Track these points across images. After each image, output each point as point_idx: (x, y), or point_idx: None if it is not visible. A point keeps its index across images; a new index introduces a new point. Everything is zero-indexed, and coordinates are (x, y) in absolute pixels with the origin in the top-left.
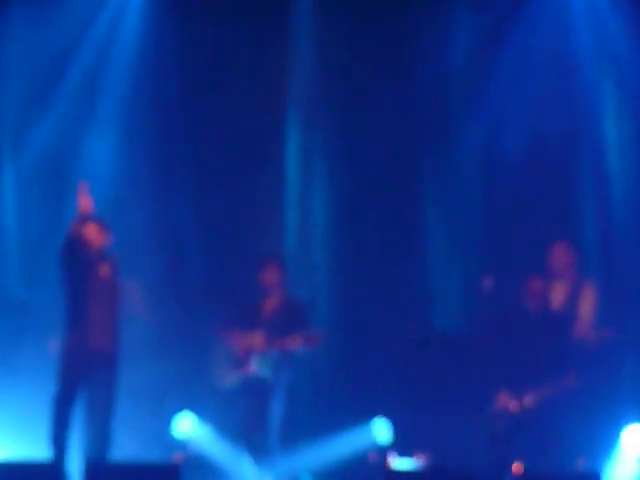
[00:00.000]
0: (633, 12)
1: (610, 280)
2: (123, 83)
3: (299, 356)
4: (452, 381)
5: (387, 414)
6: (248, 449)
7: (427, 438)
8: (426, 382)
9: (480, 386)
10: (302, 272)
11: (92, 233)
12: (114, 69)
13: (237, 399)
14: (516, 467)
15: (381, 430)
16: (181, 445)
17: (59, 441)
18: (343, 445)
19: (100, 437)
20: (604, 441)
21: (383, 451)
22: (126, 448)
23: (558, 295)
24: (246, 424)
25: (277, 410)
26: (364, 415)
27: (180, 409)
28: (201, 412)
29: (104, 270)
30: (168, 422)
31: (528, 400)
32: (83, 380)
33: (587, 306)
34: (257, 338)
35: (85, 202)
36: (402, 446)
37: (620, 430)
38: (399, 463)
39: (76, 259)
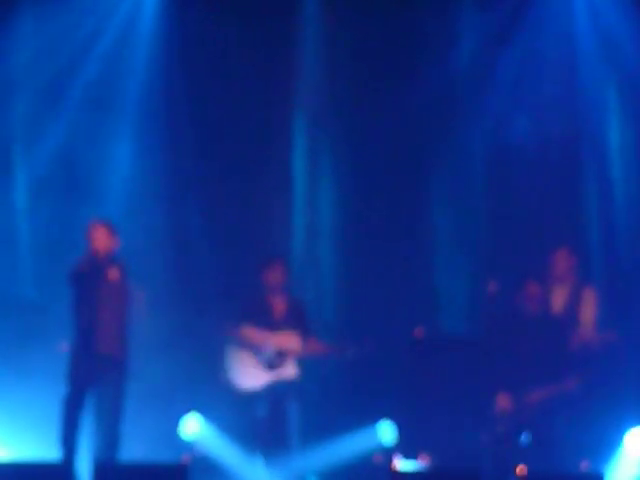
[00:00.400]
0: (637, 17)
1: (612, 284)
2: (133, 87)
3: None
4: (457, 383)
5: (392, 416)
6: (266, 450)
7: (431, 440)
8: (431, 384)
9: (484, 388)
10: (309, 272)
11: (101, 237)
12: (125, 72)
13: (261, 400)
14: (520, 469)
15: (386, 432)
16: (189, 446)
17: (68, 442)
18: (348, 447)
19: (109, 438)
20: (607, 444)
21: (388, 453)
22: (134, 449)
23: (559, 299)
24: (270, 425)
25: (298, 413)
26: (369, 417)
27: (188, 410)
28: (209, 413)
29: (113, 274)
30: (176, 423)
31: (529, 403)
32: (92, 382)
33: (588, 310)
34: (290, 339)
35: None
36: (407, 448)
37: (623, 433)
38: (404, 465)
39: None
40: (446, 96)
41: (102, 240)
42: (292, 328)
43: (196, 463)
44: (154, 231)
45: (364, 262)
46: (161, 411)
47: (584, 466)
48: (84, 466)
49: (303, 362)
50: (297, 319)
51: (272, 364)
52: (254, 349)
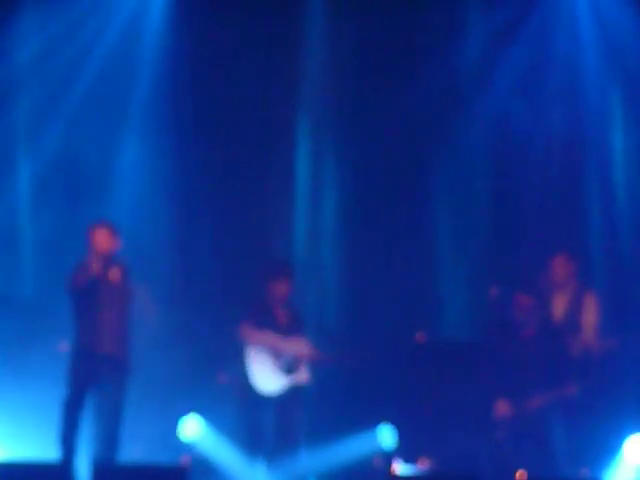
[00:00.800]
0: None
1: (614, 290)
2: (138, 87)
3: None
4: (457, 388)
5: (392, 420)
6: (268, 454)
7: (431, 444)
8: (432, 389)
9: (485, 394)
10: (311, 277)
11: (102, 238)
12: (129, 71)
13: (277, 403)
14: (519, 475)
15: (386, 436)
16: (188, 448)
17: (68, 442)
18: (348, 450)
19: (108, 439)
20: (606, 450)
21: (388, 456)
22: (134, 450)
23: (560, 306)
24: (274, 430)
25: (304, 417)
26: (369, 420)
27: (188, 412)
28: (209, 415)
29: (114, 275)
30: (176, 424)
31: (528, 408)
32: (92, 383)
33: (590, 316)
34: (302, 345)
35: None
36: (406, 452)
37: (622, 439)
38: (403, 469)
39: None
40: (450, 99)
41: (104, 241)
42: (293, 335)
43: (196, 465)
44: (157, 232)
45: (366, 266)
46: (161, 412)
47: (583, 473)
48: (83, 466)
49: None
50: (298, 329)
51: (290, 369)
52: (274, 353)
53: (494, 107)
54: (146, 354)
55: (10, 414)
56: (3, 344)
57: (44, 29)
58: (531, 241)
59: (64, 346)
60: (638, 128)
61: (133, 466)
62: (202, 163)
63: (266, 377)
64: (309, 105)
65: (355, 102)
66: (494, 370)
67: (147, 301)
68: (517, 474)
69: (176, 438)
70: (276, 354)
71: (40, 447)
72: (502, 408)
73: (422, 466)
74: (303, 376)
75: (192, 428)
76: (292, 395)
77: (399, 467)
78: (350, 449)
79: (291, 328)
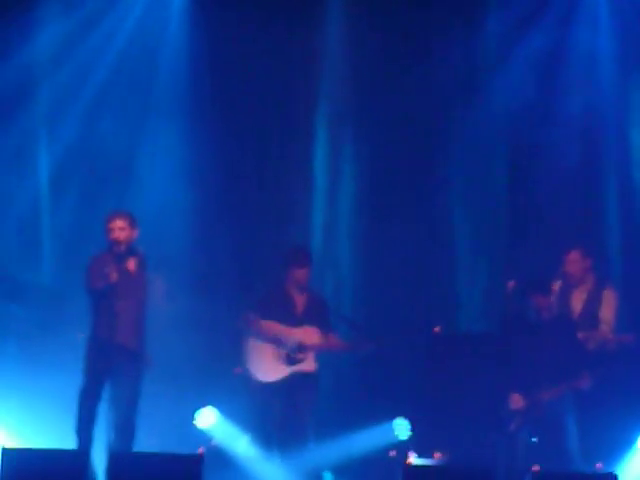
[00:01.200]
0: None
1: (631, 285)
2: (157, 76)
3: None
4: (474, 381)
5: (408, 413)
6: (281, 443)
7: (446, 438)
8: (448, 382)
9: (500, 387)
10: (327, 269)
11: (121, 228)
12: (147, 62)
13: (277, 393)
14: (535, 468)
15: (401, 429)
16: (204, 438)
17: (84, 432)
18: (363, 443)
19: (124, 429)
20: (621, 444)
21: (403, 449)
22: (150, 440)
23: (578, 301)
24: (285, 418)
25: (314, 406)
26: (385, 413)
27: (203, 402)
28: (224, 405)
29: (130, 265)
30: (191, 415)
31: (542, 401)
32: (108, 373)
33: (607, 310)
34: (311, 334)
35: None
36: (421, 445)
37: (637, 434)
38: (418, 461)
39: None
40: (468, 92)
41: (122, 231)
42: (312, 323)
43: (211, 455)
44: (175, 222)
45: (383, 259)
46: (176, 402)
47: (598, 467)
48: (100, 456)
49: (321, 357)
50: (317, 315)
51: (293, 358)
52: (276, 342)
53: (512, 98)
54: (162, 344)
55: (27, 403)
56: (21, 333)
57: (64, 18)
58: (548, 235)
59: (81, 336)
60: None
61: (149, 455)
62: (221, 154)
63: (265, 366)
64: (327, 97)
65: (373, 94)
66: (509, 363)
67: (162, 292)
68: (534, 467)
69: (192, 429)
70: (277, 343)
71: (57, 436)
72: (516, 401)
73: (437, 459)
74: (309, 365)
75: (208, 419)
76: (299, 384)
77: (414, 460)
78: (366, 442)
79: (309, 315)
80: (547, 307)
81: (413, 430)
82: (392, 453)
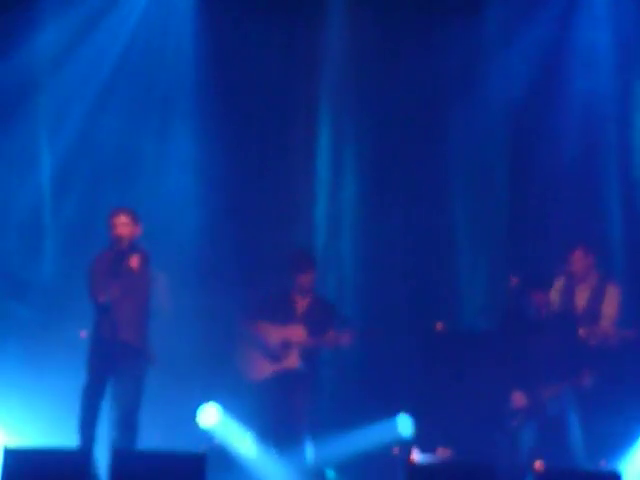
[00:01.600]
0: None
1: (634, 281)
2: (160, 73)
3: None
4: (475, 378)
5: (410, 409)
6: (276, 441)
7: (449, 434)
8: (450, 378)
9: (501, 383)
10: (330, 266)
11: (123, 225)
12: (151, 58)
13: (267, 391)
14: (537, 465)
15: (404, 425)
16: (207, 435)
17: (87, 430)
18: (367, 439)
19: (127, 427)
20: (624, 440)
21: (406, 446)
22: (152, 438)
23: (581, 298)
24: (277, 417)
25: (308, 403)
26: (388, 410)
27: (206, 399)
28: (227, 403)
29: (133, 262)
30: (194, 412)
31: (543, 397)
32: (110, 371)
33: (609, 306)
34: (297, 332)
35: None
36: (425, 441)
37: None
38: (421, 458)
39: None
40: (472, 86)
41: (124, 227)
42: (312, 324)
43: (214, 452)
44: (177, 221)
45: (385, 255)
46: (179, 400)
47: (601, 464)
48: (102, 454)
49: (324, 355)
50: (318, 317)
51: (276, 355)
52: (260, 342)
53: (512, 91)
54: (164, 342)
55: (29, 401)
56: (23, 330)
57: (66, 16)
58: (550, 231)
59: (84, 333)
60: None
61: (152, 453)
62: (224, 151)
63: (253, 366)
64: (329, 93)
65: (374, 89)
66: (511, 360)
67: (165, 289)
68: (535, 464)
69: (195, 426)
70: (262, 342)
71: (59, 434)
72: (518, 398)
73: (440, 456)
74: (292, 362)
75: (210, 416)
76: (286, 382)
77: (417, 456)
78: (369, 439)
79: (309, 317)
80: (547, 304)
81: (416, 427)
82: (395, 450)
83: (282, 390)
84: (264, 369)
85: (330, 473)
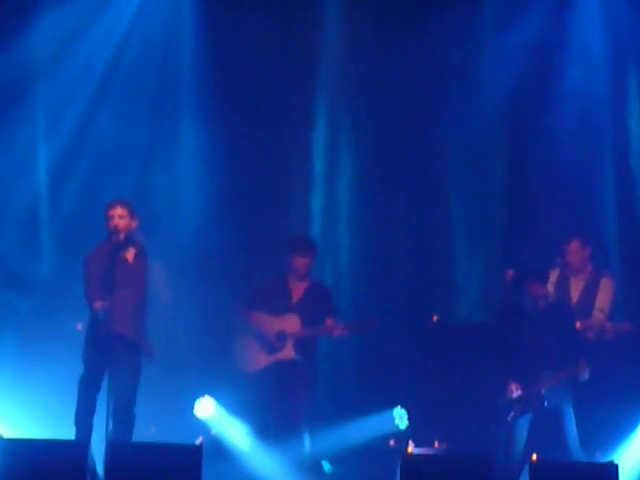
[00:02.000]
0: None
1: (629, 273)
2: (157, 67)
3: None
4: (471, 370)
5: (407, 401)
6: (272, 433)
7: (445, 427)
8: (446, 371)
9: (497, 376)
10: (326, 256)
11: (120, 217)
12: (148, 54)
13: (263, 383)
14: (533, 457)
15: (400, 418)
16: (202, 428)
17: (83, 422)
18: (362, 432)
19: (123, 419)
20: (620, 432)
21: (402, 439)
22: (148, 430)
23: (576, 290)
24: (273, 408)
25: (306, 395)
26: (384, 403)
27: (202, 392)
28: (223, 395)
29: (129, 254)
30: (190, 405)
31: (539, 389)
32: (106, 363)
33: (603, 298)
34: (291, 322)
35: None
36: (420, 434)
37: (635, 423)
38: (417, 451)
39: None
40: (469, 78)
41: (121, 220)
42: (305, 312)
43: (209, 445)
44: (173, 215)
45: (381, 248)
46: (175, 392)
47: (596, 456)
48: (98, 446)
49: (320, 347)
50: (314, 304)
51: (272, 346)
52: (256, 333)
53: (509, 85)
54: (161, 334)
55: (26, 393)
56: (19, 324)
57: (63, 10)
58: (546, 224)
59: (80, 325)
60: None
61: (148, 445)
62: (220, 143)
63: (248, 357)
64: (326, 84)
65: (370, 81)
66: (507, 352)
67: (162, 280)
68: (532, 456)
69: (190, 418)
70: (258, 333)
71: (55, 426)
72: (514, 390)
73: (436, 448)
74: (288, 353)
75: (206, 408)
76: (282, 374)
77: (413, 449)
78: (365, 431)
79: (304, 304)
80: (543, 296)
81: (411, 419)
82: (391, 442)
83: (278, 381)
84: (259, 360)
85: (326, 465)
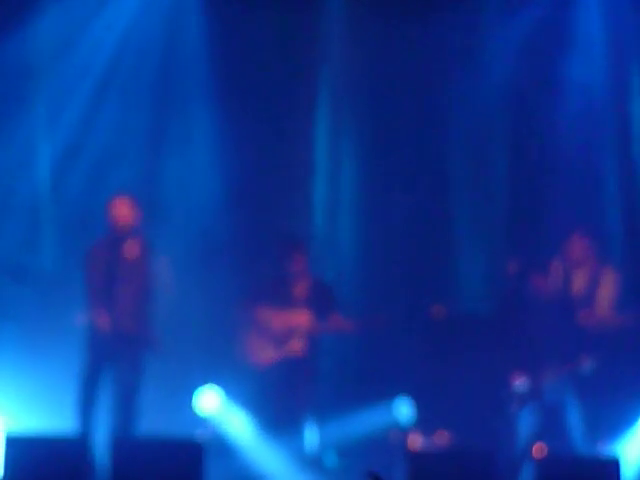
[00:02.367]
0: None
1: (632, 265)
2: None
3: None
4: (474, 362)
5: (409, 393)
6: (277, 427)
7: (449, 418)
8: (449, 363)
9: (501, 367)
10: (328, 251)
11: (122, 210)
12: (151, 49)
13: (271, 377)
14: (537, 449)
15: (403, 409)
16: (205, 421)
17: (86, 417)
18: (365, 423)
19: (126, 413)
20: (623, 424)
21: (405, 430)
22: (152, 424)
23: (579, 283)
24: (280, 402)
25: (311, 390)
26: (386, 393)
27: (206, 385)
28: (226, 388)
29: (132, 249)
30: (192, 398)
31: (542, 381)
32: (109, 358)
33: (606, 290)
34: (300, 317)
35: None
36: (424, 425)
37: (638, 414)
38: (420, 442)
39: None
40: (472, 70)
41: (124, 214)
42: (310, 308)
43: (213, 438)
44: (177, 207)
45: (384, 240)
46: (179, 386)
47: (599, 447)
48: (102, 441)
49: (324, 339)
50: (317, 300)
51: (279, 341)
52: (264, 328)
53: (512, 77)
54: (164, 328)
55: (28, 388)
56: (21, 317)
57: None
58: (549, 215)
59: (81, 319)
60: None
61: (151, 439)
62: (222, 135)
63: (256, 351)
64: (328, 78)
65: (374, 78)
66: (510, 344)
67: (167, 272)
68: (535, 448)
69: (194, 412)
70: (266, 327)
71: (58, 421)
72: (517, 382)
73: (439, 440)
74: (296, 348)
75: (210, 402)
76: (290, 367)
77: (416, 440)
78: (367, 422)
79: (308, 300)
80: (545, 288)
81: (415, 411)
82: (394, 434)
83: (286, 376)
84: (267, 354)
85: (330, 457)
